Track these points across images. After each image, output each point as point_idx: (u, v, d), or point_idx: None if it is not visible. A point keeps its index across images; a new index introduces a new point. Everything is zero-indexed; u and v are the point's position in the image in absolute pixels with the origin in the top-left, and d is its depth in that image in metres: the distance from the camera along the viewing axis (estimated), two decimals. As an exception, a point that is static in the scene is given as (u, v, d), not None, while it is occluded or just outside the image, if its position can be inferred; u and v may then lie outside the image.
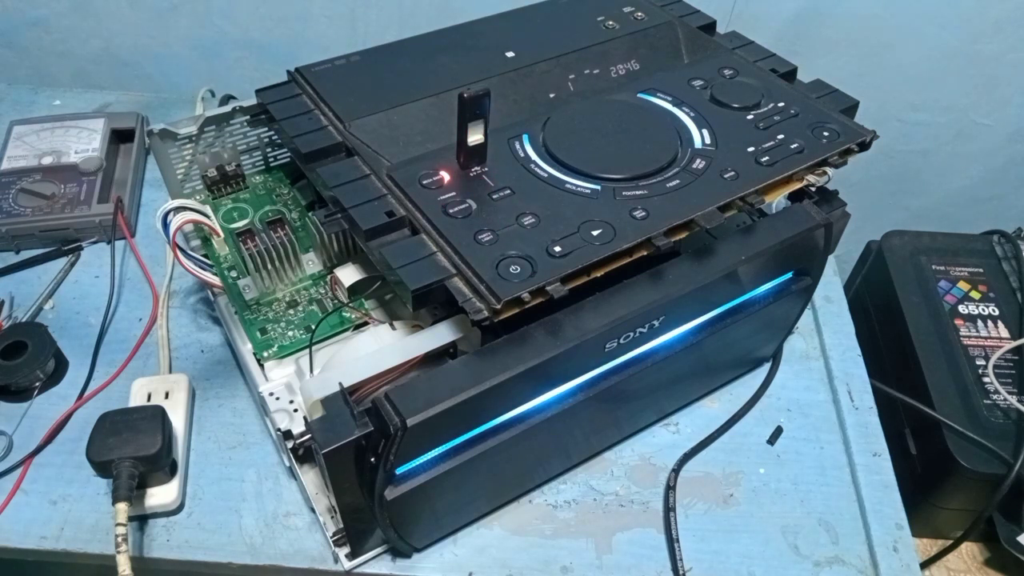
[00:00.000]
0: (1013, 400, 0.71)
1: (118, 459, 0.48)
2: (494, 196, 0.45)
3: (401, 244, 0.43)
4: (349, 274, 0.51)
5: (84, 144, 0.73)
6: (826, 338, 0.65)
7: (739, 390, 0.61)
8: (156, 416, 0.51)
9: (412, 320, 0.50)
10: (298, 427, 0.46)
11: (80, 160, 0.72)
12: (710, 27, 0.60)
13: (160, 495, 0.51)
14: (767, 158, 0.48)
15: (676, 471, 0.56)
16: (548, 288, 0.40)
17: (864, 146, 0.49)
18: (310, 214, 0.53)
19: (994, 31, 0.84)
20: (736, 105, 0.52)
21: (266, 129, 0.57)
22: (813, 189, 0.50)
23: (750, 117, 0.51)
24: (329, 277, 0.54)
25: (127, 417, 0.51)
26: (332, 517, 0.49)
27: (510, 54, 0.55)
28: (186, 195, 0.57)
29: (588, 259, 0.41)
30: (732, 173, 0.47)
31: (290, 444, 0.46)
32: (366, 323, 0.53)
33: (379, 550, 0.50)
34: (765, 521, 0.54)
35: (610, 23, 0.58)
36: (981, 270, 0.82)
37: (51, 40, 0.89)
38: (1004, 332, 0.77)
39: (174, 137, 0.54)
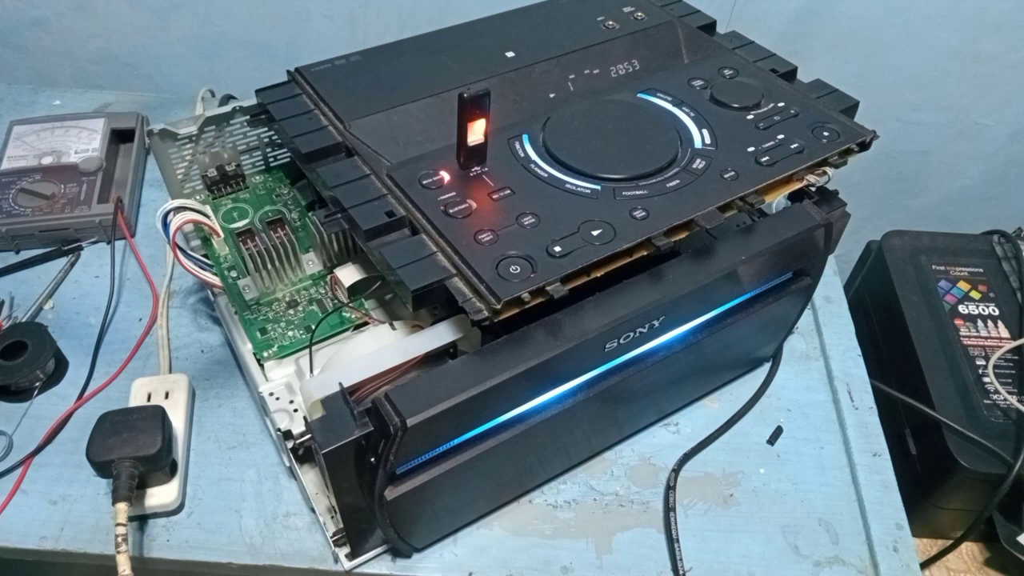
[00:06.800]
0: (1013, 400, 0.71)
1: (118, 459, 0.48)
2: (494, 196, 0.45)
3: (401, 244, 0.43)
4: (349, 274, 0.51)
5: (84, 144, 0.73)
6: (826, 338, 0.65)
7: (739, 390, 0.61)
8: (156, 416, 0.51)
9: (412, 320, 0.50)
10: (298, 427, 0.46)
11: (80, 160, 0.72)
12: (710, 27, 0.60)
13: (160, 495, 0.51)
14: (767, 158, 0.48)
15: (676, 471, 0.56)
16: (548, 288, 0.40)
17: (864, 146, 0.49)
18: (310, 214, 0.53)
19: (994, 31, 0.84)
20: (736, 105, 0.52)
21: (266, 129, 0.57)
22: (813, 189, 0.50)
23: (750, 117, 0.51)
24: (329, 277, 0.54)
25: (127, 417, 0.51)
26: (332, 517, 0.49)
27: (510, 54, 0.55)
28: (186, 195, 0.57)
29: (588, 259, 0.41)
30: (732, 173, 0.47)
31: (290, 444, 0.46)
32: (366, 323, 0.52)
33: (379, 550, 0.50)
34: (765, 521, 0.55)
35: (610, 23, 0.58)
36: (981, 270, 0.82)
37: (51, 40, 0.89)
38: (1004, 332, 0.77)
39: (174, 137, 0.54)
